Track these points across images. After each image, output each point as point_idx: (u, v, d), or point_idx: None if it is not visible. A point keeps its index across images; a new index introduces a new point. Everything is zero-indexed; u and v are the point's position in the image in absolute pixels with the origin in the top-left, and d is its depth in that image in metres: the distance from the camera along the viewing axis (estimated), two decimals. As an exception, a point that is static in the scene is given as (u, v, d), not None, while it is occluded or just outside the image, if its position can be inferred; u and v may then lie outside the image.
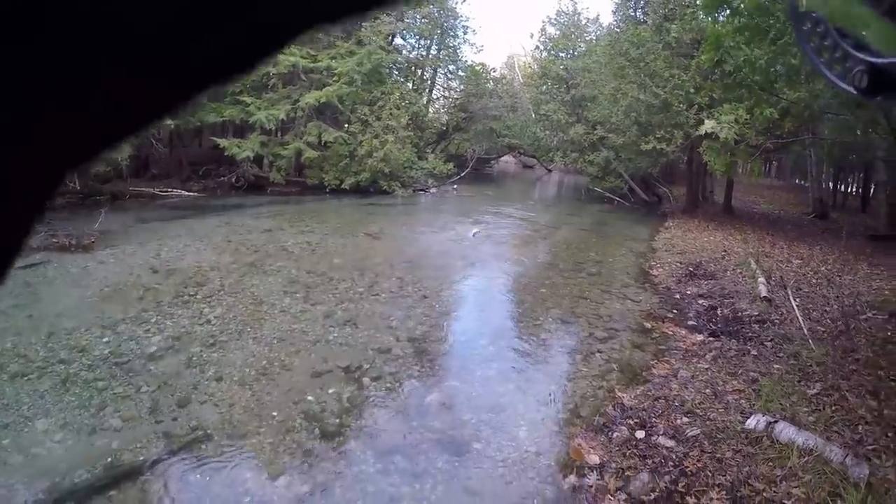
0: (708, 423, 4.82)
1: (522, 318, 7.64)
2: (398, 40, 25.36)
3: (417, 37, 26.39)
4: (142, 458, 3.98)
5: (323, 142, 19.34)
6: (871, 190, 22.54)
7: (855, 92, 0.49)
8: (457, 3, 26.96)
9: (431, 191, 22.60)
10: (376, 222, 14.55)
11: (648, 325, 7.56)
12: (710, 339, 7.16)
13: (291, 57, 18.24)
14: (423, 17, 24.81)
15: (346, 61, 19.08)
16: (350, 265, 9.75)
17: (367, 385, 5.37)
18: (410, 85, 25.10)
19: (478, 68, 28.70)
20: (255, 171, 19.28)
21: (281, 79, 19.35)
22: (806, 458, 4.23)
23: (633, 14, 22.36)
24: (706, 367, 6.15)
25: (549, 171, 38.92)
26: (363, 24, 20.83)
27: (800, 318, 7.95)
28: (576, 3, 29.64)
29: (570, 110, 25.18)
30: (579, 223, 17.30)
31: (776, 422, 4.71)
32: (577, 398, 5.32)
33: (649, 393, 5.40)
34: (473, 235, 13.12)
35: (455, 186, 24.21)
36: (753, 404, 5.21)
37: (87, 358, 5.49)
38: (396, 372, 5.69)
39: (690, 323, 7.87)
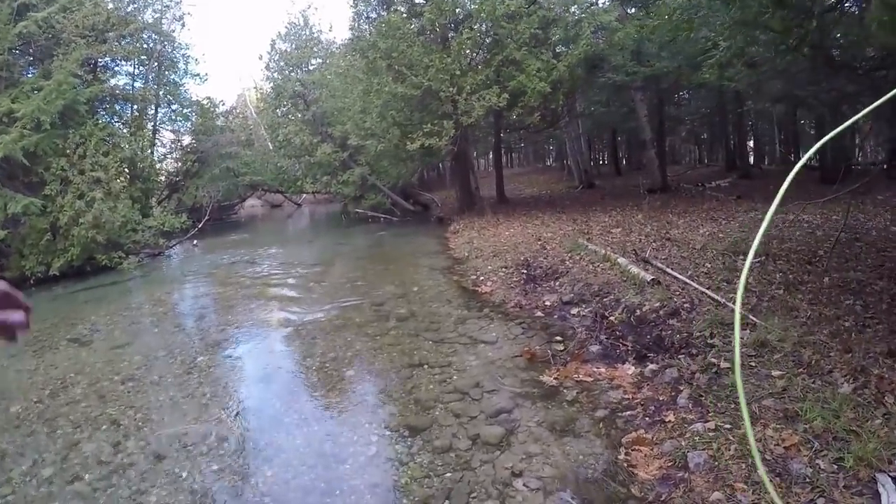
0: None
1: (347, 442, 4.21)
2: (111, 77, 20.57)
3: (130, 67, 22.16)
4: None
5: (12, 215, 14.08)
6: (622, 157, 25.36)
7: None
8: (175, 30, 23.51)
9: (169, 252, 18.46)
10: (88, 317, 9.65)
11: (547, 380, 4.86)
12: (650, 365, 4.78)
13: (-45, 105, 12.45)
14: (128, 39, 20.07)
15: (32, 100, 14.38)
16: (34, 415, 5.37)
17: None
18: (125, 129, 20.50)
19: (204, 103, 25.77)
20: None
21: (-54, 138, 13.73)
22: None
23: (367, 16, 21.21)
24: (706, 426, 3.63)
25: (299, 205, 38.18)
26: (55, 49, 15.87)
27: (710, 294, 6.19)
28: (306, 15, 28.38)
29: (314, 129, 24.06)
30: (353, 252, 14.46)
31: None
32: None
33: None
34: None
35: (195, 242, 20.44)
36: (837, 457, 2.98)
37: None
38: None
39: (595, 349, 5.44)
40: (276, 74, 27.42)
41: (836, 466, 3.06)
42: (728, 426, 3.61)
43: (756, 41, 6.64)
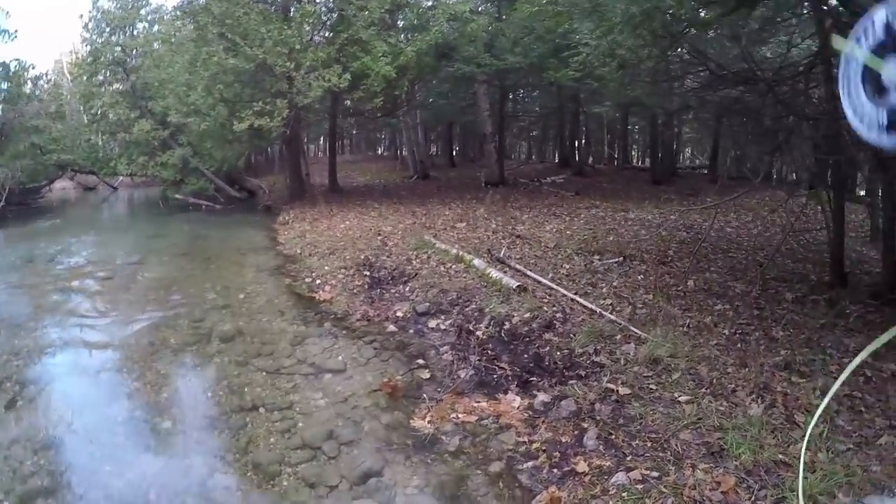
0: None
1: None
2: None
3: None
4: None
5: None
6: (455, 149, 25.53)
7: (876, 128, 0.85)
8: None
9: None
10: None
11: (420, 424, 3.91)
12: (539, 396, 4.08)
13: None
14: None
15: None
16: None
17: None
18: None
19: (12, 65, 21.33)
20: None
21: None
22: None
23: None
24: (630, 476, 2.99)
25: (115, 188, 33.10)
26: None
27: (581, 301, 5.73)
28: (136, -29, 24.30)
29: (132, 103, 21.17)
30: (172, 246, 12.25)
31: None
32: None
33: None
34: None
35: (-12, 237, 16.08)
36: (779, 497, 2.72)
37: None
38: None
39: (468, 375, 4.61)
40: (95, 37, 23.72)
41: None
42: (655, 474, 2.99)
43: (622, 44, 6.31)
